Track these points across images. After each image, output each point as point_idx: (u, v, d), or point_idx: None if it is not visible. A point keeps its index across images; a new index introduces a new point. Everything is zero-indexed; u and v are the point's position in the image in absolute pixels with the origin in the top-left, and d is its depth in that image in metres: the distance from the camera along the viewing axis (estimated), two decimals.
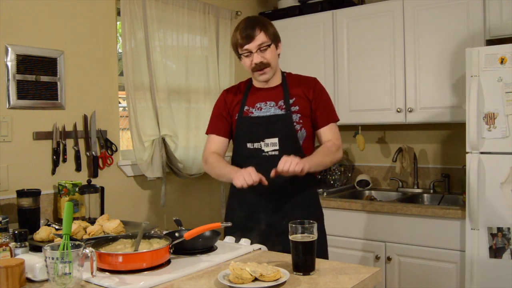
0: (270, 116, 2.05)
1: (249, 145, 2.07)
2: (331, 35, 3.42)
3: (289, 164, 1.77)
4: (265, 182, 1.84)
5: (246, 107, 2.10)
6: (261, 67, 2.01)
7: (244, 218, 2.07)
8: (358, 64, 3.32)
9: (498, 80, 2.48)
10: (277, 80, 2.11)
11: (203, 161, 2.15)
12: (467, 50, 2.59)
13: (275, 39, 2.04)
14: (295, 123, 2.03)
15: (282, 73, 2.16)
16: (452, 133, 3.31)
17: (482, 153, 2.55)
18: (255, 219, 2.04)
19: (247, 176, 1.82)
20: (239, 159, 2.10)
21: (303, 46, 3.54)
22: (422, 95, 3.07)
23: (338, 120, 2.14)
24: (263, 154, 2.04)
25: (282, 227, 1.91)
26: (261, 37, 1.98)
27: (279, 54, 2.10)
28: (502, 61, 2.47)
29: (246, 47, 1.99)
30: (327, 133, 2.08)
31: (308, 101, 2.07)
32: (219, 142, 2.15)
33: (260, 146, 2.04)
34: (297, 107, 2.05)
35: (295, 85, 2.10)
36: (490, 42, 2.85)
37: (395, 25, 3.15)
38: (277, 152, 2.01)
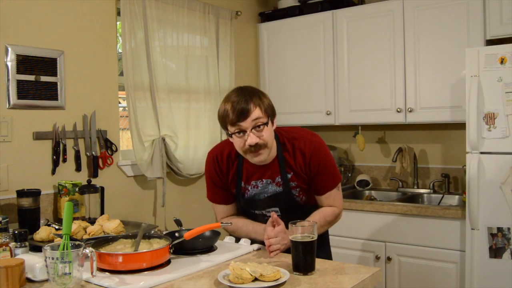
0: (268, 196, 1.89)
1: (251, 211, 1.97)
2: (331, 35, 3.42)
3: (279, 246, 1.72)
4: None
5: (242, 183, 1.92)
6: (256, 148, 1.74)
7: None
8: (358, 64, 3.32)
9: (498, 80, 2.48)
10: (272, 154, 1.85)
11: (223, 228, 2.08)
12: (467, 50, 2.59)
13: (272, 114, 1.79)
14: (295, 197, 1.89)
15: (276, 138, 1.87)
16: (452, 133, 3.31)
17: (482, 153, 2.55)
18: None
19: (273, 247, 1.72)
20: (244, 213, 2.03)
21: (303, 46, 3.54)
22: (422, 95, 3.07)
23: (339, 181, 1.92)
24: (266, 218, 1.91)
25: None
26: (256, 113, 1.71)
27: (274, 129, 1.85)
28: (502, 61, 2.47)
29: (239, 124, 1.70)
30: (326, 200, 1.91)
31: (306, 174, 1.86)
32: (227, 209, 2.02)
33: (262, 213, 1.95)
34: (295, 183, 1.87)
35: (292, 157, 1.86)
36: (490, 42, 2.85)
37: (395, 25, 3.15)
38: (280, 215, 1.86)
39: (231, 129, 1.74)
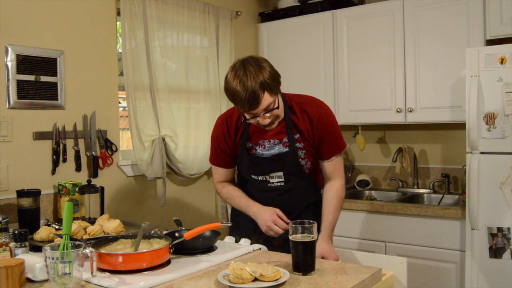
0: (274, 155, 1.94)
1: (253, 176, 2.02)
2: (331, 35, 3.42)
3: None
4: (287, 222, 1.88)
5: (249, 144, 1.98)
6: (269, 124, 1.84)
7: (248, 226, 2.04)
8: (358, 64, 3.32)
9: (498, 80, 2.48)
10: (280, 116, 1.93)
11: (217, 193, 2.17)
12: (467, 50, 2.59)
13: (277, 86, 1.80)
14: (300, 159, 1.95)
15: (285, 101, 1.94)
16: (452, 133, 3.31)
17: (482, 153, 2.55)
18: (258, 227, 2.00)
19: (275, 229, 1.89)
20: (245, 186, 2.09)
21: (303, 46, 3.54)
22: (422, 95, 3.07)
23: (343, 148, 2.01)
24: (269, 185, 2.00)
25: (283, 235, 1.90)
26: (266, 99, 1.73)
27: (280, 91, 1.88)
28: (502, 61, 2.47)
29: (252, 112, 1.76)
30: (331, 168, 2.00)
31: (313, 135, 1.94)
32: (225, 172, 2.11)
33: (265, 178, 1.99)
34: (301, 144, 1.94)
35: (300, 119, 1.94)
36: (490, 42, 2.85)
37: (395, 25, 3.15)
38: (283, 183, 1.98)
39: (246, 114, 1.79)
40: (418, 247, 2.84)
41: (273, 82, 1.76)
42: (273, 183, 1.99)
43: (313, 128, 1.93)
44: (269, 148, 1.95)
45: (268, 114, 1.78)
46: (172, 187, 3.16)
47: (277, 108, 1.79)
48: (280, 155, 1.94)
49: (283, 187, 1.98)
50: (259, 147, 1.97)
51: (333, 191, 1.99)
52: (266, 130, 1.94)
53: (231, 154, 2.05)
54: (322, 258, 1.83)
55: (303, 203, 2.05)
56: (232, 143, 2.01)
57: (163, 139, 2.93)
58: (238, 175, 2.14)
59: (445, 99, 2.99)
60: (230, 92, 1.75)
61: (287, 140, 1.94)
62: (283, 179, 1.98)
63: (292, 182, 1.98)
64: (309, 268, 1.52)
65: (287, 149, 1.93)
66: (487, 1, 2.80)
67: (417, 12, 3.07)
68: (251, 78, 1.70)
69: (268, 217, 1.91)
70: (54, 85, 2.50)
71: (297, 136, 1.94)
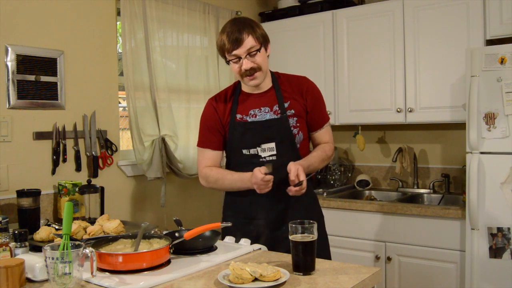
0: (266, 120, 1.95)
1: (244, 151, 1.98)
2: (331, 35, 3.42)
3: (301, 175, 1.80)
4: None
5: (238, 115, 1.99)
6: (251, 72, 1.90)
7: (241, 225, 1.98)
8: (358, 64, 3.32)
9: (498, 80, 2.48)
10: (268, 83, 2.01)
11: (202, 179, 2.06)
12: (467, 50, 2.59)
13: (264, 41, 1.93)
14: (292, 127, 1.95)
15: (272, 73, 2.05)
16: (452, 133, 3.31)
17: (482, 153, 2.55)
18: (254, 225, 1.98)
19: (264, 186, 1.82)
20: (235, 166, 2.02)
21: (303, 46, 3.54)
22: (422, 95, 3.07)
23: (329, 119, 2.11)
24: (260, 160, 1.95)
25: (281, 232, 1.90)
26: (249, 41, 1.86)
27: (268, 56, 1.98)
28: (502, 61, 2.47)
29: (234, 52, 1.87)
30: (323, 136, 2.06)
31: (303, 103, 1.99)
32: (213, 155, 2.05)
33: (257, 151, 1.96)
34: (292, 111, 1.97)
35: (288, 87, 2.01)
36: (490, 42, 2.85)
37: (395, 25, 3.15)
38: (275, 157, 1.94)
39: (228, 57, 1.90)
40: (418, 247, 2.83)
41: (261, 34, 1.91)
42: (264, 157, 1.94)
43: (304, 94, 2.00)
44: (260, 117, 1.97)
45: (251, 58, 1.87)
46: (172, 187, 3.16)
47: (259, 50, 1.88)
48: (272, 121, 1.95)
49: (275, 162, 1.89)
50: (249, 117, 1.98)
51: (319, 147, 2.04)
52: (255, 99, 1.98)
53: (220, 133, 2.03)
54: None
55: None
56: (222, 118, 2.02)
57: (163, 139, 2.93)
58: (226, 163, 2.09)
59: (445, 99, 2.99)
60: (218, 40, 1.92)
61: (277, 108, 1.96)
62: (275, 152, 1.94)
63: (284, 157, 1.92)
64: (309, 268, 1.52)
65: (278, 116, 1.95)
66: (487, 1, 2.80)
67: (417, 12, 3.07)
68: (238, 24, 1.89)
69: (259, 181, 1.81)
70: (54, 85, 2.50)
71: (288, 103, 1.98)
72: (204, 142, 2.06)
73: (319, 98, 2.05)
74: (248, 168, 1.92)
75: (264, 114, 1.97)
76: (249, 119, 1.97)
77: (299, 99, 1.99)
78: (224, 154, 2.11)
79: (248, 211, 2.00)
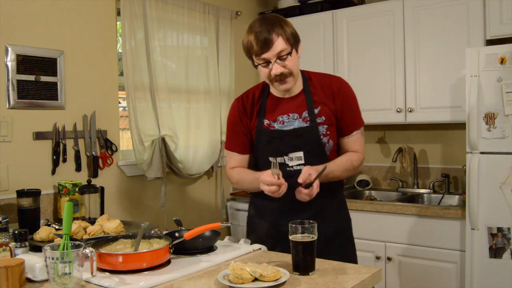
0: (294, 129, 1.82)
1: (271, 159, 1.86)
2: (331, 35, 3.42)
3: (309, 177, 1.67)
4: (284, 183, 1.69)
5: (266, 121, 1.87)
6: (281, 77, 1.76)
7: (268, 230, 1.91)
8: (358, 64, 3.32)
9: (498, 80, 2.48)
10: (298, 86, 1.87)
11: (229, 180, 1.99)
12: (467, 50, 2.59)
13: (295, 42, 1.78)
14: (321, 136, 1.82)
15: (303, 74, 1.90)
16: (452, 133, 3.31)
17: (482, 153, 2.55)
18: (279, 232, 1.84)
19: (267, 190, 1.68)
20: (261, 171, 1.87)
21: (303, 46, 3.51)
22: (422, 95, 3.07)
23: (362, 125, 1.92)
24: (287, 169, 1.83)
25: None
26: (280, 44, 1.71)
27: (299, 56, 1.84)
28: (502, 61, 2.47)
29: (263, 56, 1.72)
30: (352, 144, 1.89)
31: (333, 108, 1.84)
32: (240, 158, 1.95)
33: (284, 160, 1.84)
34: (323, 118, 1.82)
35: (319, 90, 1.86)
36: (490, 42, 2.85)
37: (395, 25, 3.15)
38: (303, 166, 1.79)
39: (257, 60, 1.76)
40: (418, 247, 2.83)
41: (291, 34, 1.75)
42: (291, 166, 1.83)
43: (335, 98, 1.85)
44: (288, 124, 1.83)
45: (281, 63, 1.73)
46: (172, 187, 3.16)
47: (290, 54, 1.73)
48: (300, 130, 1.81)
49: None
50: (277, 124, 1.85)
51: (346, 154, 1.87)
52: (284, 105, 1.84)
53: (247, 136, 1.92)
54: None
55: (325, 196, 1.83)
56: (249, 121, 1.91)
57: (163, 139, 2.93)
58: (254, 163, 1.98)
59: (445, 99, 2.98)
60: (245, 40, 1.76)
61: (307, 115, 1.83)
62: (303, 161, 1.81)
63: (313, 161, 1.79)
64: (309, 268, 1.52)
65: (308, 124, 1.82)
66: (487, 1, 2.80)
67: (417, 12, 3.07)
68: (267, 23, 1.72)
69: (263, 186, 1.71)
70: (54, 85, 2.50)
71: (318, 109, 1.83)
72: (230, 145, 1.98)
73: (350, 103, 1.88)
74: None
75: (292, 121, 1.84)
76: (276, 126, 1.85)
77: (330, 103, 1.85)
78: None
79: (272, 216, 1.91)
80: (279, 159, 1.85)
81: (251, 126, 1.91)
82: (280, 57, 1.73)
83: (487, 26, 2.81)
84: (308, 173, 1.67)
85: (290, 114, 1.85)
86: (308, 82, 1.88)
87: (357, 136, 1.89)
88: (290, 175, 1.77)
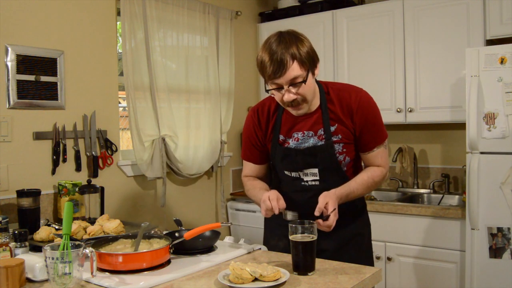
0: (309, 148, 1.78)
1: (286, 172, 1.85)
2: (331, 35, 3.42)
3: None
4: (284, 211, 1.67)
5: (281, 137, 1.83)
6: (294, 104, 1.69)
7: (284, 246, 1.79)
8: (358, 64, 3.32)
9: (498, 80, 2.48)
10: (315, 103, 1.78)
11: (243, 183, 2.01)
12: (467, 50, 2.59)
13: (312, 64, 1.68)
14: (337, 154, 1.77)
15: (320, 87, 1.81)
16: (452, 133, 3.31)
17: (482, 153, 2.55)
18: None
19: (264, 209, 1.67)
20: (278, 183, 1.92)
21: None
22: (422, 95, 3.07)
23: (386, 138, 1.83)
24: (302, 183, 1.82)
25: (324, 246, 1.76)
26: (294, 70, 1.61)
27: (316, 75, 1.75)
28: (502, 61, 2.47)
29: (276, 81, 1.64)
30: (374, 159, 1.82)
31: (352, 126, 1.77)
32: (255, 168, 1.96)
33: (299, 175, 1.82)
34: (339, 136, 1.77)
35: (337, 106, 1.78)
36: (490, 42, 2.85)
37: (395, 25, 3.15)
38: (318, 182, 1.79)
39: (269, 84, 1.68)
40: (418, 247, 2.83)
41: (307, 56, 1.65)
42: (307, 181, 1.81)
43: (353, 116, 1.76)
44: (303, 141, 1.79)
45: (293, 90, 1.65)
46: (172, 187, 3.16)
47: (304, 82, 1.64)
48: (315, 148, 1.77)
49: (318, 187, 1.77)
50: (292, 140, 1.81)
51: (367, 169, 1.82)
52: (300, 122, 1.79)
53: (261, 148, 1.91)
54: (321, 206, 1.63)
55: (343, 211, 1.73)
56: (263, 135, 1.88)
57: (163, 139, 2.93)
58: (273, 175, 1.98)
59: (445, 99, 2.99)
60: (259, 57, 1.67)
61: (322, 132, 1.77)
62: (318, 177, 1.79)
63: (328, 181, 1.77)
64: (309, 268, 1.52)
65: (323, 142, 1.77)
66: (487, 1, 2.80)
67: (417, 12, 3.07)
68: (283, 45, 1.62)
69: (263, 198, 1.70)
70: (54, 85, 2.50)
71: (335, 127, 1.77)
72: (245, 155, 1.98)
73: (370, 119, 1.78)
74: (291, 191, 1.83)
75: (307, 138, 1.79)
76: (291, 143, 1.81)
77: (348, 121, 1.77)
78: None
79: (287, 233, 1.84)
80: (294, 174, 1.83)
81: (267, 140, 1.88)
82: (292, 84, 1.64)
83: (487, 26, 2.81)
84: (325, 202, 1.62)
85: (305, 131, 1.80)
86: (326, 97, 1.80)
87: (379, 150, 1.82)
88: (305, 189, 1.80)
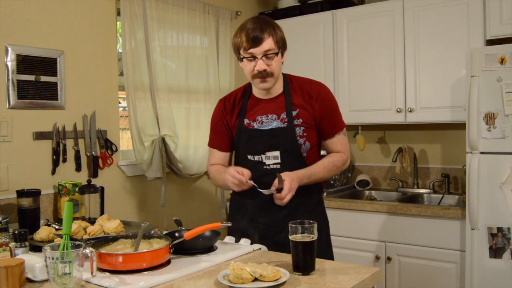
0: (271, 129, 1.91)
1: (249, 157, 1.96)
2: (331, 35, 3.42)
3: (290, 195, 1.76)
4: (251, 183, 1.81)
5: (246, 120, 1.97)
6: (263, 75, 1.85)
7: (244, 226, 1.98)
8: (358, 64, 3.32)
9: (498, 80, 2.48)
10: (278, 88, 1.96)
11: (208, 172, 2.14)
12: (467, 50, 2.59)
13: (282, 46, 1.88)
14: (298, 137, 1.90)
15: (284, 77, 1.99)
16: (452, 133, 3.31)
17: (482, 153, 2.55)
18: (255, 229, 1.96)
19: (231, 181, 1.81)
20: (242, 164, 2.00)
21: (303, 46, 3.54)
22: (422, 95, 3.07)
23: (344, 127, 2.01)
24: (264, 167, 1.93)
25: (281, 238, 1.84)
26: (269, 43, 1.81)
27: (283, 62, 1.93)
28: (502, 61, 2.47)
29: (251, 51, 1.81)
30: (335, 145, 1.98)
31: (312, 112, 1.92)
32: (220, 156, 2.09)
33: (261, 159, 1.93)
34: (300, 120, 1.91)
35: (299, 94, 1.94)
36: (490, 42, 2.85)
37: (395, 25, 3.15)
38: (279, 165, 1.91)
39: (243, 53, 1.84)
40: (418, 247, 2.83)
41: (280, 39, 1.85)
42: (268, 165, 1.92)
43: (313, 103, 1.92)
44: (267, 124, 1.93)
45: (265, 61, 1.82)
46: (172, 187, 3.16)
47: (276, 55, 1.83)
48: (277, 130, 1.90)
49: (279, 171, 1.84)
50: (256, 123, 1.95)
51: (329, 155, 1.98)
52: (264, 105, 1.94)
53: (227, 135, 2.04)
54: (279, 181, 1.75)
55: (302, 196, 1.88)
56: (230, 120, 2.02)
57: (163, 139, 2.93)
58: (235, 163, 2.08)
59: (445, 99, 2.99)
60: (237, 32, 1.85)
61: (285, 116, 1.91)
62: (279, 161, 1.91)
63: (288, 165, 1.88)
64: (309, 268, 1.52)
65: (285, 125, 1.90)
66: (487, 1, 2.80)
67: (417, 12, 3.07)
68: (260, 23, 1.83)
69: (226, 175, 1.84)
70: (54, 85, 2.50)
71: (296, 112, 1.92)
72: (212, 142, 2.12)
73: (330, 107, 1.95)
74: (252, 173, 1.87)
75: (270, 121, 1.93)
76: (255, 125, 1.95)
77: (309, 107, 1.92)
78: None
79: (252, 214, 1.99)
80: (257, 157, 1.95)
81: (232, 125, 2.01)
82: (266, 55, 1.82)
83: (487, 26, 2.81)
84: (283, 178, 1.75)
85: (269, 114, 1.94)
86: (289, 85, 1.97)
87: (339, 137, 1.98)
88: (267, 173, 1.91)
